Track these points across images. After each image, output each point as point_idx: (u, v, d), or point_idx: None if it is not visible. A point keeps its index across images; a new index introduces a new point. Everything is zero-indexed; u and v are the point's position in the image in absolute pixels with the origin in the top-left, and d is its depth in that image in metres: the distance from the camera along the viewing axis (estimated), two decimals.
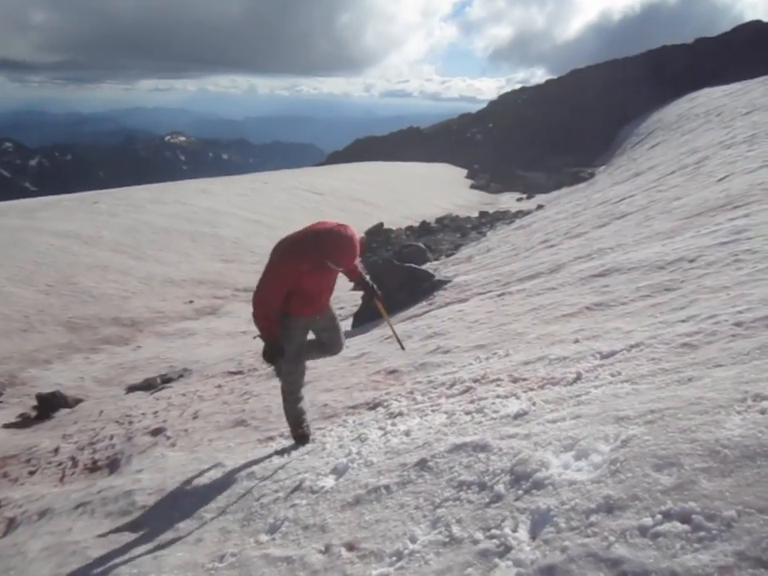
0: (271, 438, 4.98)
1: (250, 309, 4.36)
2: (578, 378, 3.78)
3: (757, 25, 55.30)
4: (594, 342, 4.43)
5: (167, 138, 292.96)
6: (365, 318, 9.69)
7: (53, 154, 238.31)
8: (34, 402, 9.09)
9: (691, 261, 5.76)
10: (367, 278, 4.68)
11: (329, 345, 4.68)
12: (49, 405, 8.85)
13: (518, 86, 77.59)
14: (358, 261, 4.48)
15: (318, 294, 4.37)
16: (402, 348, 4.81)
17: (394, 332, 4.86)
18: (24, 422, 8.60)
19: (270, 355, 4.27)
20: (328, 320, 4.58)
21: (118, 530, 4.14)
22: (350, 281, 4.84)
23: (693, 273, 5.43)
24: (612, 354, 4.00)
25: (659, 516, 2.00)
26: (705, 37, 58.68)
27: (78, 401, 9.25)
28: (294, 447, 4.54)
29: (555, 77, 71.40)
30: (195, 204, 25.42)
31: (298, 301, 4.27)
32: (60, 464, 6.47)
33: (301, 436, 4.59)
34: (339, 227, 3.97)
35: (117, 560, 3.66)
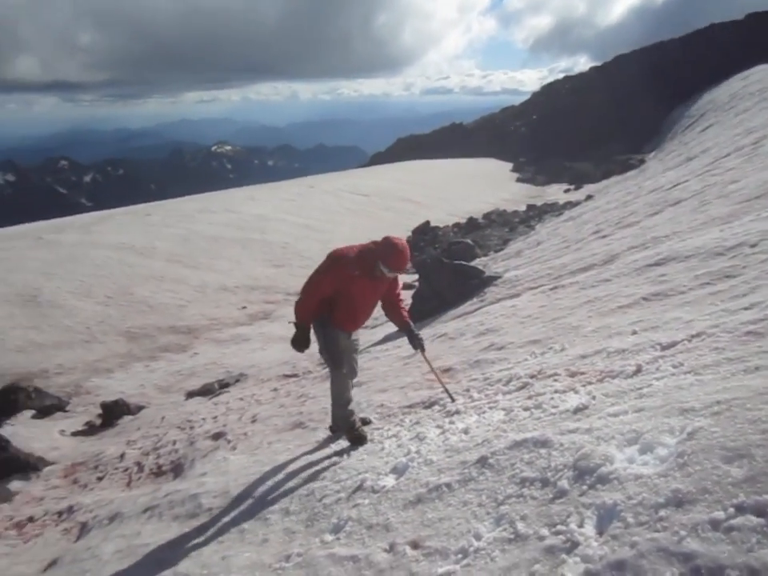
0: (330, 439, 5.03)
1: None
2: (639, 370, 3.70)
3: None
4: (654, 333, 4.33)
5: (213, 148, 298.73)
6: (415, 318, 9.69)
7: (105, 169, 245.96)
8: (99, 411, 9.41)
9: (752, 246, 5.56)
10: (415, 330, 4.85)
11: (349, 368, 4.83)
12: (112, 412, 9.15)
13: (560, 76, 76.29)
14: (406, 310, 4.88)
15: (363, 308, 4.64)
16: (452, 400, 4.76)
17: (443, 385, 4.85)
18: (90, 430, 8.91)
19: (298, 342, 4.56)
20: (354, 343, 4.88)
21: (185, 532, 4.26)
22: (400, 329, 4.99)
23: (755, 258, 5.24)
24: (673, 344, 3.90)
25: (732, 509, 1.95)
26: (756, 11, 56.48)
27: (141, 408, 9.53)
28: (353, 448, 4.59)
29: (599, 63, 69.91)
30: (244, 211, 25.87)
31: (342, 314, 4.54)
32: (126, 469, 6.69)
33: (357, 437, 4.66)
34: (394, 237, 4.42)
35: (186, 561, 3.77)
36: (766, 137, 13.65)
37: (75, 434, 8.81)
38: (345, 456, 4.44)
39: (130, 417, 9.10)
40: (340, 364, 4.62)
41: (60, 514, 5.86)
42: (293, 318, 4.62)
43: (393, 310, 4.87)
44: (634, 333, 4.54)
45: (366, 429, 4.89)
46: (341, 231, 24.33)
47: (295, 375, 8.59)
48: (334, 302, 4.50)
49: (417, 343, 4.80)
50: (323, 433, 5.24)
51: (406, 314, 4.88)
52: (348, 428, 4.71)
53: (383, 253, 4.31)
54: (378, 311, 5.01)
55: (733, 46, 50.60)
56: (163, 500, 5.03)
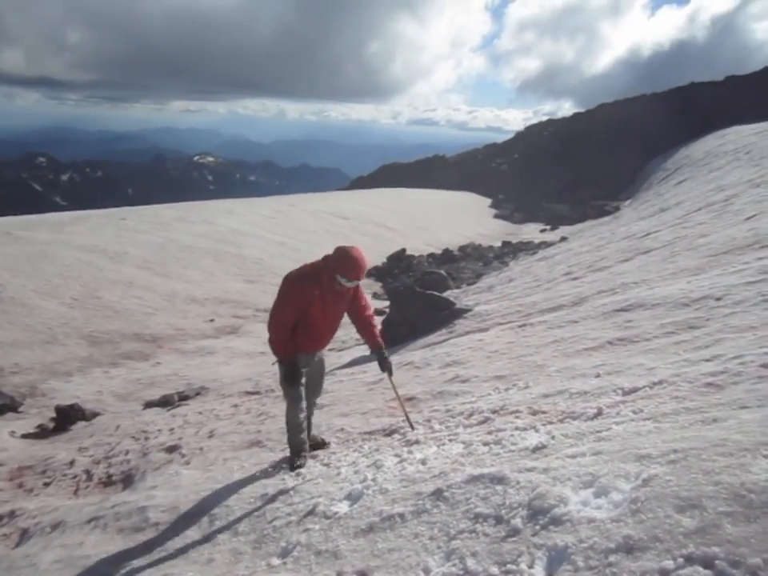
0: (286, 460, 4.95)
1: (266, 335, 4.59)
2: (599, 413, 3.73)
3: None
4: (616, 378, 4.37)
5: (196, 158, 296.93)
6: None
7: (84, 169, 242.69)
8: (53, 414, 9.16)
9: (717, 299, 5.68)
10: (386, 354, 4.83)
11: (312, 386, 4.85)
12: (67, 417, 8.91)
13: (544, 118, 77.60)
14: (379, 332, 4.86)
15: (326, 325, 4.60)
16: (412, 428, 4.74)
17: (405, 412, 4.81)
18: (42, 433, 8.66)
19: (291, 376, 4.48)
20: (319, 361, 4.88)
21: (129, 547, 4.14)
22: (372, 351, 4.97)
23: (719, 311, 5.35)
24: (634, 390, 3.94)
25: (681, 559, 1.95)
26: (735, 75, 58.50)
27: (96, 414, 9.31)
28: (292, 469, 4.61)
29: (583, 110, 71.44)
30: (221, 224, 25.71)
31: (305, 335, 4.50)
32: (75, 477, 6.50)
33: (296, 466, 4.65)
34: (347, 246, 4.36)
35: None
36: (737, 195, 14.03)
37: (26, 436, 8.55)
38: (300, 478, 4.37)
39: (84, 423, 8.87)
40: (297, 399, 4.59)
41: (1, 518, 5.65)
42: (273, 358, 4.62)
43: (366, 331, 4.82)
44: (598, 376, 4.58)
45: (322, 452, 4.86)
46: (316, 252, 24.13)
47: (257, 393, 8.48)
48: (296, 325, 4.47)
49: (385, 366, 4.76)
50: (280, 453, 5.16)
51: (378, 335, 4.84)
52: (295, 454, 4.70)
53: (339, 264, 4.27)
54: (345, 332, 4.99)
55: (711, 105, 52.18)
56: (109, 511, 4.89)
